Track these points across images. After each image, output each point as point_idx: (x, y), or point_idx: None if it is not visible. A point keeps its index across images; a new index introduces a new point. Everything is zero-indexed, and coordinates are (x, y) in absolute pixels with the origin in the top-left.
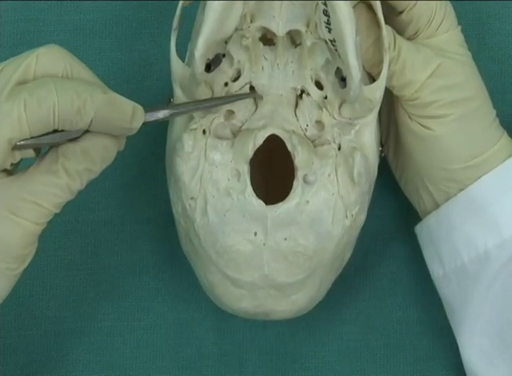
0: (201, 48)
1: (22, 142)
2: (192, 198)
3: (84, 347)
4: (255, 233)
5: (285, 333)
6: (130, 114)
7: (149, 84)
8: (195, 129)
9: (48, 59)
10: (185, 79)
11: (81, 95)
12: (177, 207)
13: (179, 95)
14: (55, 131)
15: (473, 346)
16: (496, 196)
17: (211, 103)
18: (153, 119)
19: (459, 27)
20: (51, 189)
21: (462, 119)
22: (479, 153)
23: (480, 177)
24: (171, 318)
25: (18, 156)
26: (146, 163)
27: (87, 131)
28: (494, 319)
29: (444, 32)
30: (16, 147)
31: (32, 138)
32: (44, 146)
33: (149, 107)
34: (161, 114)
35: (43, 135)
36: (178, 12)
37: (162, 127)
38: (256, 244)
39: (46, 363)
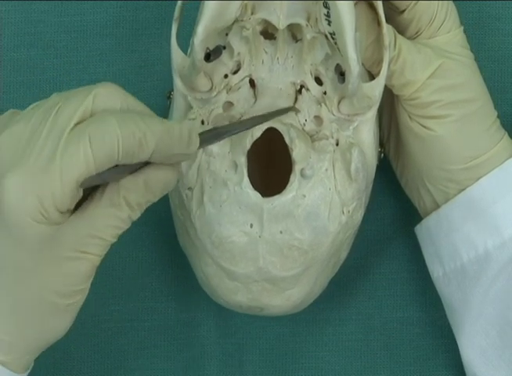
0: (201, 35)
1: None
2: (189, 188)
3: (88, 348)
4: (251, 225)
5: (285, 333)
6: (187, 140)
7: (149, 85)
8: (194, 119)
9: (105, 98)
10: (184, 69)
11: (141, 127)
12: (174, 198)
13: (179, 85)
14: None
15: (473, 346)
16: (496, 197)
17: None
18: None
19: (462, 28)
20: (113, 222)
21: (462, 120)
22: (479, 154)
23: (479, 178)
24: (173, 318)
25: (81, 192)
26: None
27: (146, 163)
28: (494, 320)
29: (445, 32)
30: (81, 184)
31: (96, 174)
32: (106, 181)
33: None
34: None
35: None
36: (179, 3)
37: None
38: (252, 236)
39: (50, 365)
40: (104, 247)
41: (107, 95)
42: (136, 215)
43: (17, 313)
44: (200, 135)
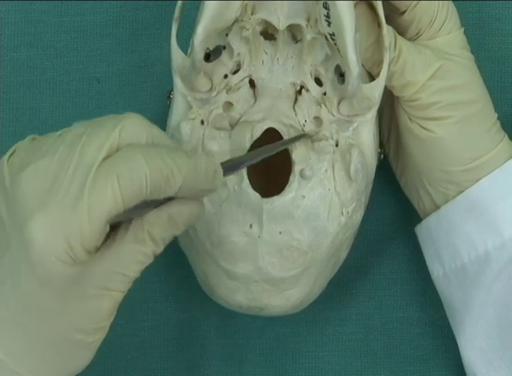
0: (200, 35)
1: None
2: None
3: None
4: (251, 225)
5: (285, 333)
6: (212, 175)
7: (149, 85)
8: (193, 119)
9: (131, 132)
10: (184, 69)
11: (168, 163)
12: None
13: (179, 85)
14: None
15: (473, 347)
16: (496, 197)
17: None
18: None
19: (462, 29)
20: (138, 257)
21: (462, 122)
22: (479, 155)
23: (479, 179)
24: (173, 318)
25: (108, 228)
26: None
27: (171, 197)
28: (494, 321)
29: (446, 34)
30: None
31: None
32: (132, 216)
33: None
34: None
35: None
36: (179, 3)
37: (161, 127)
38: (251, 237)
39: None
40: (127, 283)
41: (133, 129)
42: (160, 250)
43: (39, 351)
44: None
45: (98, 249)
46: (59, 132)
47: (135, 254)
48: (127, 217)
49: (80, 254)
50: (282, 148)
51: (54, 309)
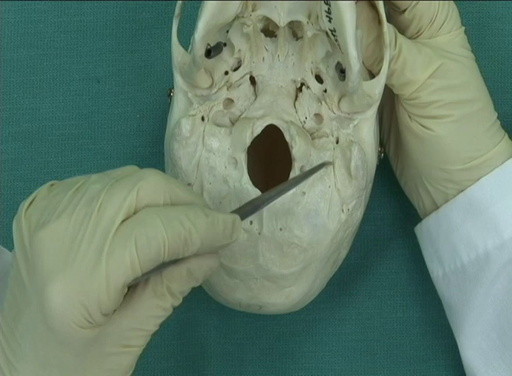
0: (201, 31)
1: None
2: (188, 184)
3: None
4: (251, 222)
5: (285, 333)
6: (230, 230)
7: (149, 85)
8: (194, 115)
9: (148, 192)
10: (185, 65)
11: (186, 225)
12: None
13: (179, 82)
14: None
15: (473, 347)
16: (496, 197)
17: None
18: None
19: (463, 29)
20: (156, 312)
21: (462, 120)
22: (478, 154)
23: (478, 179)
24: (173, 318)
25: (125, 290)
26: (146, 164)
27: None
28: (494, 321)
29: (446, 33)
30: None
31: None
32: (149, 275)
33: (239, 211)
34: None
35: None
36: (179, 2)
37: (161, 127)
38: (251, 233)
39: None
40: (146, 337)
41: (150, 189)
42: (178, 302)
43: None
44: (239, 210)
45: (116, 309)
46: (77, 185)
47: (155, 309)
48: (144, 278)
49: (97, 318)
50: (301, 182)
51: (73, 367)
